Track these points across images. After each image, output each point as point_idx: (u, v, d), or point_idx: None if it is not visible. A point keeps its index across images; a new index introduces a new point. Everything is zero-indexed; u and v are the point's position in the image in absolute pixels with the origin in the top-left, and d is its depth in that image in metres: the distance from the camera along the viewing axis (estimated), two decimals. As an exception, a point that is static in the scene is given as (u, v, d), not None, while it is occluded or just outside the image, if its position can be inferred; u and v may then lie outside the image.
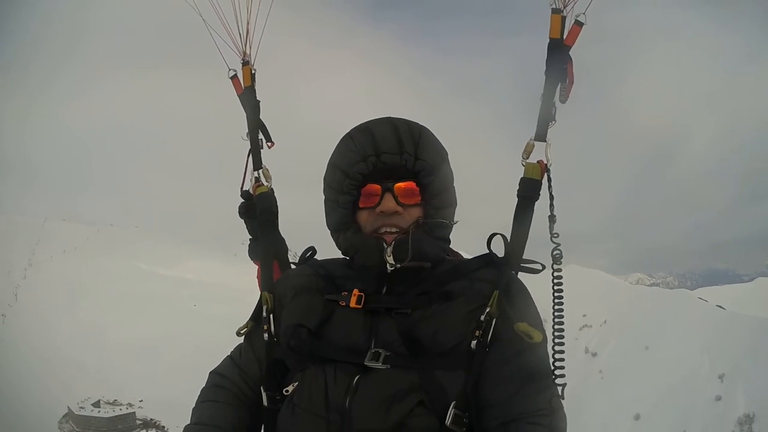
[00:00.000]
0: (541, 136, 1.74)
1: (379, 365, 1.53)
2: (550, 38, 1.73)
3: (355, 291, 1.65)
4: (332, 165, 1.75)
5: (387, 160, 1.66)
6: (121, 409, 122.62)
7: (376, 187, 1.67)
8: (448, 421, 1.48)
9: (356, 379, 1.53)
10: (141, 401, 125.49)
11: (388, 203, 1.65)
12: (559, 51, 1.72)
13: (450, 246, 1.81)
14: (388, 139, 1.68)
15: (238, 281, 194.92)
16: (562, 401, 1.59)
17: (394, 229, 1.67)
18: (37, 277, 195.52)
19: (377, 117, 1.77)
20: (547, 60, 1.73)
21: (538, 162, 1.74)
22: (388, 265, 1.63)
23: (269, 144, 2.14)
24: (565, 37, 1.72)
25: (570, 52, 1.73)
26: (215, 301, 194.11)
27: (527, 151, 1.75)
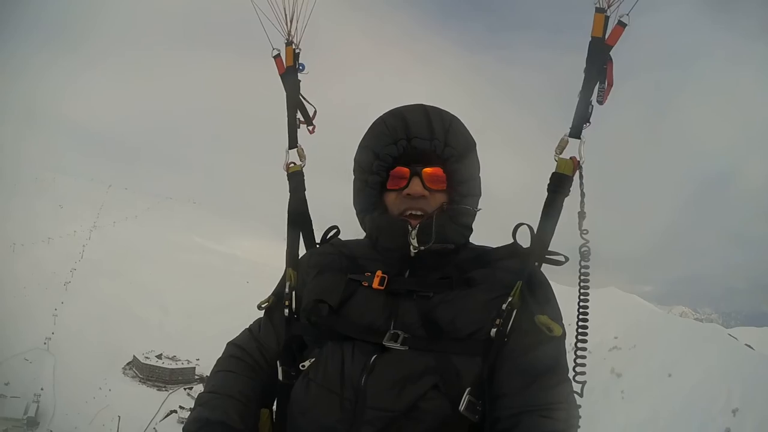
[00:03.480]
0: (576, 133, 1.74)
1: (397, 346, 1.55)
2: (591, 37, 1.73)
3: (379, 272, 1.69)
4: (363, 147, 1.82)
5: (417, 145, 1.71)
6: (181, 364, 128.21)
7: (405, 170, 1.72)
8: (462, 407, 1.49)
9: (373, 358, 1.55)
10: (198, 360, 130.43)
11: (416, 187, 1.69)
12: (600, 50, 1.72)
13: (470, 235, 1.85)
14: (420, 125, 1.72)
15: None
16: (580, 398, 1.60)
17: (419, 212, 1.71)
18: (101, 239, 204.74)
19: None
20: (587, 58, 1.74)
21: (570, 158, 1.74)
22: (411, 247, 1.68)
23: (310, 128, 2.21)
24: (607, 36, 1.72)
25: (612, 54, 1.73)
26: (265, 279, 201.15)
27: (561, 147, 1.76)
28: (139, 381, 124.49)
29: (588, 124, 1.74)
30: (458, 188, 1.74)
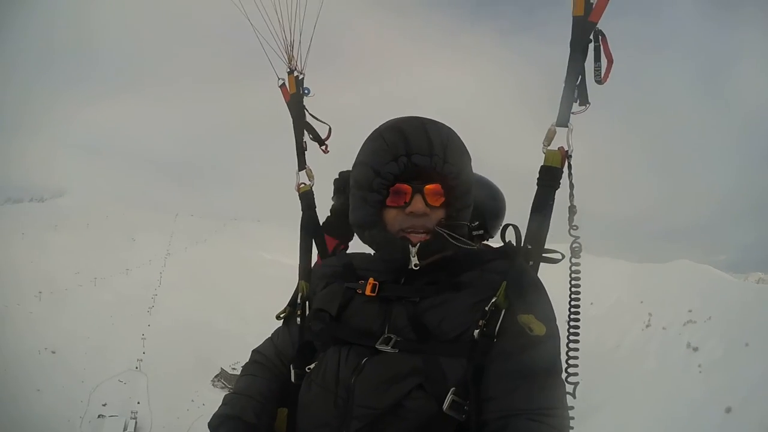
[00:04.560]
0: (563, 121, 1.68)
1: (387, 348, 1.62)
2: (573, 16, 1.63)
3: (371, 280, 1.76)
4: (362, 163, 1.78)
5: (417, 162, 1.67)
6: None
7: (407, 188, 1.69)
8: (445, 406, 1.52)
9: (364, 360, 1.64)
10: None
11: (418, 204, 1.68)
12: (583, 29, 1.64)
13: (475, 242, 1.81)
14: (419, 140, 1.67)
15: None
16: (574, 400, 1.60)
17: (421, 230, 1.71)
18: (175, 264, 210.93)
19: (412, 116, 1.77)
20: (571, 39, 1.65)
21: (558, 149, 1.68)
22: (412, 264, 1.69)
23: (323, 148, 2.34)
24: (590, 13, 1.62)
25: (603, 30, 1.64)
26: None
27: (548, 138, 1.70)
28: (229, 391, 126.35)
29: (588, 105, 1.67)
30: (456, 203, 1.73)
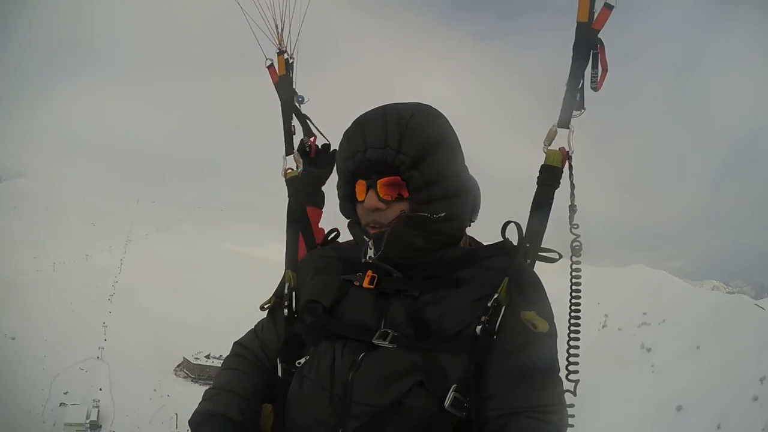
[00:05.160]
0: (564, 123, 1.68)
1: (385, 344, 1.57)
2: (578, 22, 1.66)
3: (369, 272, 1.69)
4: (336, 160, 1.81)
5: (371, 156, 1.64)
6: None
7: (363, 183, 1.68)
8: (447, 403, 1.49)
9: (361, 356, 1.58)
10: None
11: (370, 200, 1.66)
12: (586, 35, 1.66)
13: (466, 235, 1.82)
14: (375, 133, 1.65)
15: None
16: (575, 398, 1.58)
17: (377, 225, 1.68)
18: (136, 251, 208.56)
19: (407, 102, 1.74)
20: (574, 44, 1.68)
21: (559, 149, 1.69)
22: (367, 258, 1.67)
23: (311, 139, 2.33)
24: (594, 20, 1.65)
25: (602, 38, 1.66)
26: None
27: (549, 138, 1.71)
28: (192, 380, 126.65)
29: (583, 110, 1.69)
30: (417, 195, 1.65)
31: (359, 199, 1.71)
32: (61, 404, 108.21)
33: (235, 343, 2.02)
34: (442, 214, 1.66)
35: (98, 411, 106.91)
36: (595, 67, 1.67)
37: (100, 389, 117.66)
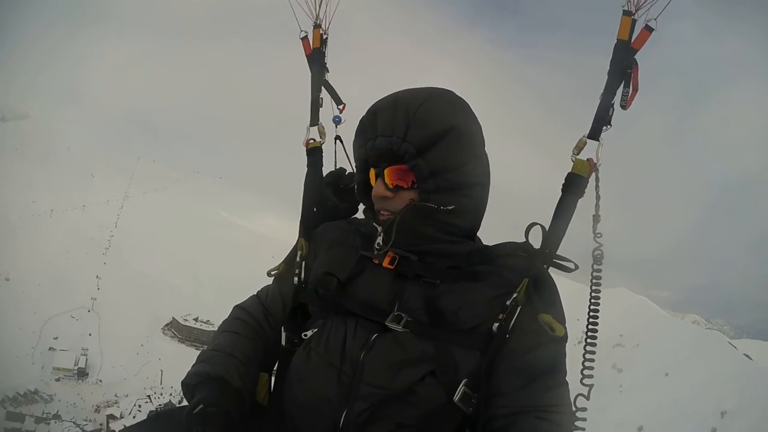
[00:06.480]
0: (594, 134, 1.66)
1: (398, 327, 1.53)
2: (617, 39, 1.65)
3: (390, 252, 1.65)
4: (352, 148, 1.79)
5: (379, 144, 1.63)
6: (217, 327, 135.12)
7: (372, 171, 1.70)
8: (456, 397, 1.46)
9: (374, 336, 1.55)
10: None
11: (378, 188, 1.66)
12: (624, 53, 1.64)
13: (460, 231, 1.72)
14: (385, 121, 1.63)
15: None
16: (587, 401, 1.55)
17: (386, 212, 1.67)
18: (132, 208, 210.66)
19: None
20: (611, 60, 1.67)
21: (587, 160, 1.66)
22: (377, 243, 1.64)
23: (340, 107, 2.18)
24: (633, 40, 1.64)
25: (638, 58, 1.65)
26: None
27: (578, 147, 1.68)
28: (179, 341, 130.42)
29: (609, 126, 1.68)
30: (423, 185, 1.62)
31: (373, 186, 1.72)
32: (50, 348, 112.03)
33: (236, 307, 1.95)
34: (451, 207, 1.64)
35: (86, 359, 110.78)
36: (627, 86, 1.65)
37: (90, 334, 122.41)
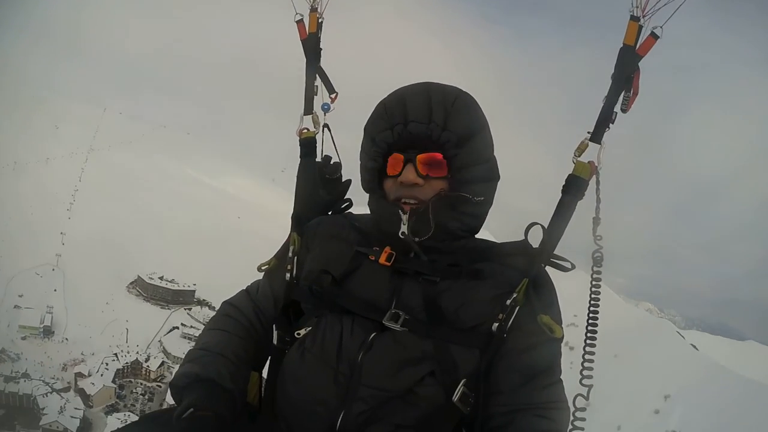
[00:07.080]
0: (597, 137, 1.67)
1: (396, 327, 1.51)
2: (623, 44, 1.66)
3: (387, 248, 1.63)
4: (365, 131, 1.73)
5: (413, 130, 1.60)
6: (181, 287, 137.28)
7: (400, 157, 1.63)
8: (455, 397, 1.45)
9: (372, 336, 1.52)
10: (194, 284, 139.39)
11: (408, 174, 1.60)
12: (630, 58, 1.65)
13: (478, 224, 1.74)
14: (419, 108, 1.61)
15: (278, 205, 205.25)
16: (586, 401, 1.56)
17: (413, 200, 1.62)
18: (97, 161, 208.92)
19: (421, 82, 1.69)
20: (616, 64, 1.67)
21: (589, 162, 1.67)
22: (401, 232, 1.59)
23: (332, 96, 2.12)
24: (638, 46, 1.65)
25: (640, 63, 1.66)
26: (257, 219, 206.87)
27: (580, 149, 1.68)
28: (143, 299, 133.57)
29: (609, 126, 1.70)
30: (457, 175, 1.62)
31: (391, 173, 1.65)
32: (15, 306, 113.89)
33: (224, 303, 1.88)
34: (481, 198, 1.66)
35: (52, 317, 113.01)
36: (628, 90, 1.67)
37: (55, 290, 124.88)
